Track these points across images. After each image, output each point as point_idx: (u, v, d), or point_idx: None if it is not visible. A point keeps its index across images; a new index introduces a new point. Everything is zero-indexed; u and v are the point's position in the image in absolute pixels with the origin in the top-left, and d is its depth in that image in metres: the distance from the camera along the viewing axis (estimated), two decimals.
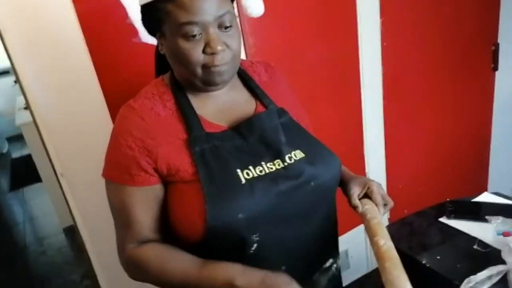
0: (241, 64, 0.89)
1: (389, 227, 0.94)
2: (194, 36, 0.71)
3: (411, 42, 1.83)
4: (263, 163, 0.76)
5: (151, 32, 0.80)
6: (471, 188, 2.16)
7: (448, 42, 1.93)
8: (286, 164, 0.77)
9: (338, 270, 0.93)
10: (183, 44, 0.72)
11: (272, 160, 0.77)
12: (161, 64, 0.87)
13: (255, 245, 0.74)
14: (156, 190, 0.78)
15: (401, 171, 2.00)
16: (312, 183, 0.78)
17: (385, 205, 0.87)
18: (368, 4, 1.66)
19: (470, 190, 1.06)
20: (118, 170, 0.77)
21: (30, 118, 1.28)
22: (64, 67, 1.18)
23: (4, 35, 1.12)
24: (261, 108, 0.85)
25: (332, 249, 0.91)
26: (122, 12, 1.20)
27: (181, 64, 0.75)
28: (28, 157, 2.82)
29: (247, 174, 0.74)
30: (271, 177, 0.75)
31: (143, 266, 0.76)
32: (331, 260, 0.90)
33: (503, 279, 0.71)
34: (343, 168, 0.94)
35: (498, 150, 2.28)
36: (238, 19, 1.31)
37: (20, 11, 1.11)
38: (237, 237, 0.72)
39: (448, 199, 0.94)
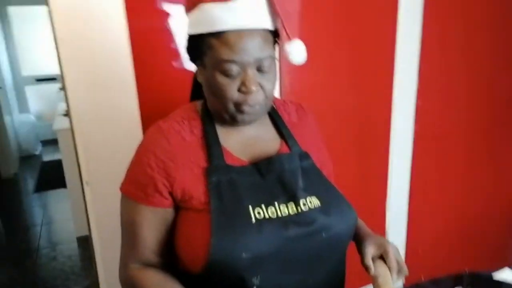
0: (273, 102, 0.90)
1: None
2: (232, 74, 0.73)
3: (446, 100, 1.81)
4: (276, 203, 0.76)
5: (192, 59, 0.83)
6: (494, 260, 2.05)
7: (484, 100, 1.90)
8: (299, 209, 0.76)
9: None
10: (221, 79, 0.74)
11: (286, 202, 0.76)
12: (197, 90, 0.89)
13: (254, 287, 0.72)
14: (167, 213, 0.79)
15: (423, 234, 1.93)
16: (323, 234, 0.76)
17: (398, 271, 0.82)
18: (406, 61, 1.68)
19: (492, 262, 1.00)
20: (135, 187, 0.79)
21: (67, 125, 1.34)
22: (108, 80, 1.25)
23: (60, 44, 1.19)
24: (285, 148, 0.85)
25: None
26: (169, 36, 1.27)
27: (215, 96, 0.77)
28: (58, 163, 2.92)
29: (259, 213, 0.73)
30: (282, 220, 0.74)
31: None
32: None
33: None
34: (360, 222, 0.92)
35: None
36: (277, 60, 1.36)
37: (77, 22, 1.18)
38: (238, 277, 0.71)
39: (467, 270, 0.90)
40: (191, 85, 0.94)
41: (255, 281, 0.71)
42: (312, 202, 0.78)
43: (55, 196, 3.76)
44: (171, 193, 0.77)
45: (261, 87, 0.75)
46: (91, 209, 1.33)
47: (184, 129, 0.80)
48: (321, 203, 0.78)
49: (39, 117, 5.32)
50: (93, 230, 1.34)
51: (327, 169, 0.92)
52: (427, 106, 1.76)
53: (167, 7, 1.25)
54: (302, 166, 0.82)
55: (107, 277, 1.35)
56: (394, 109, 1.72)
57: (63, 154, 2.85)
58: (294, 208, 0.76)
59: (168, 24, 1.26)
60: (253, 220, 0.72)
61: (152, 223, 0.78)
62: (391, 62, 1.65)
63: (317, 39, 1.50)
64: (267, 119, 0.89)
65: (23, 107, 5.28)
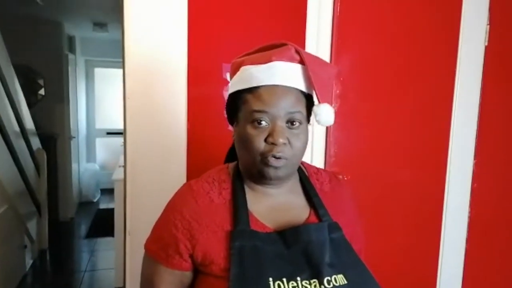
0: (306, 169, 0.91)
1: None
2: (261, 123, 0.75)
3: (503, 185, 1.69)
4: (298, 278, 0.71)
5: (230, 118, 0.85)
6: None
7: None
8: (323, 287, 0.71)
9: None
10: (250, 130, 0.76)
11: (309, 278, 0.72)
12: (233, 153, 0.90)
13: None
14: (185, 276, 0.79)
15: None
16: None
17: None
18: (462, 139, 1.62)
19: None
20: (157, 245, 0.80)
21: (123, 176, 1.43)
22: (163, 138, 1.34)
23: (127, 101, 1.33)
24: (314, 218, 0.82)
25: None
26: (222, 102, 1.35)
27: (244, 149, 0.77)
28: (112, 211, 3.05)
29: (279, 286, 0.70)
30: None
31: None
32: None
33: None
34: None
35: None
36: (325, 129, 1.38)
37: (143, 85, 1.32)
38: None
39: None
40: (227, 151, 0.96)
41: None
42: (338, 280, 0.73)
43: (103, 244, 3.88)
44: (191, 256, 0.77)
45: (289, 142, 0.75)
46: (129, 259, 1.36)
47: (213, 190, 0.81)
48: (348, 282, 0.73)
49: (102, 167, 5.70)
50: (127, 281, 1.36)
51: (358, 245, 0.87)
52: (483, 189, 1.66)
53: (226, 75, 1.36)
54: (331, 238, 0.78)
55: None
56: (448, 191, 1.63)
57: (116, 203, 2.99)
58: (318, 286, 0.71)
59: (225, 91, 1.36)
60: None
61: (169, 284, 0.79)
62: (446, 138, 1.61)
63: (370, 109, 1.51)
64: (298, 186, 0.87)
65: (91, 156, 5.72)
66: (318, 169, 0.94)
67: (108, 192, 5.18)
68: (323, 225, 0.79)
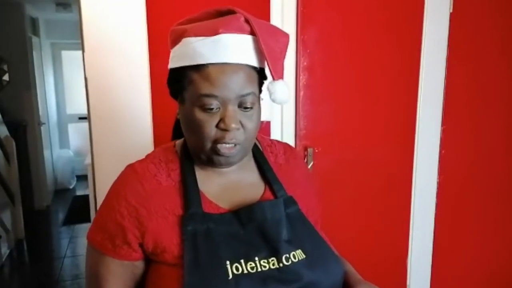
0: (260, 142, 0.87)
1: None
2: (211, 109, 0.69)
3: (470, 150, 1.74)
4: (256, 258, 0.68)
5: (174, 95, 0.78)
6: None
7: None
8: (281, 265, 0.69)
9: None
10: (199, 114, 0.69)
11: (267, 257, 0.69)
12: (179, 129, 0.83)
13: None
14: (135, 266, 0.73)
15: None
16: None
17: None
18: (428, 101, 1.65)
19: None
20: (102, 236, 0.73)
21: None
22: (128, 118, 1.32)
23: (89, 84, 1.29)
24: (268, 194, 0.79)
25: None
26: None
27: (193, 133, 0.72)
28: (88, 197, 3.01)
29: (236, 268, 0.66)
30: (262, 277, 0.67)
31: None
32: None
33: None
34: (350, 269, 0.85)
35: None
36: (294, 102, 1.38)
37: (104, 65, 1.28)
38: None
39: None
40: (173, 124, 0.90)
41: None
42: (297, 256, 0.71)
43: (81, 230, 3.84)
44: (141, 245, 0.71)
45: (242, 125, 0.70)
46: None
47: (161, 172, 0.75)
48: (306, 256, 0.72)
49: (77, 153, 5.57)
50: None
51: (314, 217, 0.84)
52: (451, 155, 1.70)
53: None
54: (287, 213, 0.75)
55: None
56: (417, 158, 1.67)
57: (90, 188, 2.94)
58: (276, 264, 0.69)
59: None
60: (230, 276, 0.65)
61: (119, 277, 0.72)
62: (413, 107, 1.64)
63: (337, 82, 1.51)
64: (251, 162, 0.82)
65: (64, 143, 5.57)
66: (272, 141, 0.90)
67: (84, 178, 5.06)
68: (278, 201, 0.76)
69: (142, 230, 0.71)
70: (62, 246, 3.56)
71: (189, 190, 0.73)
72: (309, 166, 1.48)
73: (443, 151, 1.69)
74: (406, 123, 1.64)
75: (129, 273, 0.73)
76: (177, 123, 0.86)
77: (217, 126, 0.70)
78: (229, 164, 0.75)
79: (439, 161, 1.69)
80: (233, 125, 0.69)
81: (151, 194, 0.72)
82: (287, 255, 0.70)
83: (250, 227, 0.71)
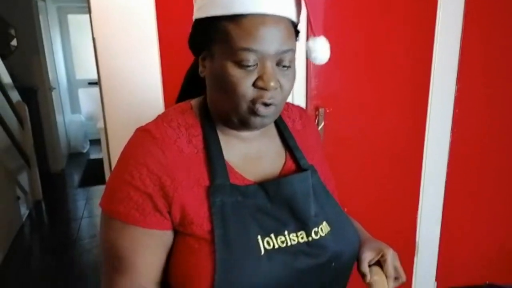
0: None
1: None
2: (248, 65, 0.61)
3: (485, 109, 1.72)
4: (286, 232, 0.67)
5: (197, 50, 0.71)
6: None
7: None
8: (310, 239, 0.68)
9: None
10: (234, 70, 0.62)
11: (296, 230, 0.68)
12: (190, 89, 0.78)
13: None
14: (168, 237, 0.66)
15: (455, 251, 1.82)
16: (333, 264, 0.70)
17: (396, 278, 0.77)
18: (444, 61, 1.61)
19: None
20: (126, 206, 0.64)
21: None
22: (139, 80, 1.31)
23: (98, 47, 1.28)
24: (290, 163, 0.76)
25: None
26: None
27: (225, 92, 0.64)
28: (102, 160, 3.07)
29: (268, 243, 0.65)
30: (292, 251, 0.66)
31: None
32: None
33: None
34: (358, 225, 0.86)
35: None
36: (305, 62, 1.36)
37: (113, 27, 1.26)
38: None
39: (487, 282, 0.84)
40: (181, 83, 0.83)
41: None
42: (323, 229, 0.70)
43: (97, 192, 3.95)
44: (169, 213, 0.65)
45: (280, 85, 0.64)
46: None
47: (181, 138, 0.67)
48: (331, 228, 0.71)
49: (89, 118, 5.63)
50: None
51: (331, 184, 0.84)
52: (465, 114, 1.68)
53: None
54: (312, 184, 0.73)
55: None
56: (429, 119, 1.65)
57: (103, 152, 2.99)
58: (305, 238, 0.68)
59: None
60: (262, 251, 0.64)
61: (153, 248, 0.65)
62: (428, 67, 1.60)
63: (349, 43, 1.48)
64: (272, 127, 0.78)
65: (75, 108, 5.62)
66: (287, 104, 0.84)
67: (97, 142, 5.15)
68: (306, 174, 0.73)
69: (168, 200, 0.64)
70: (79, 207, 3.68)
71: (214, 159, 0.67)
72: (320, 127, 1.47)
73: (456, 110, 1.67)
74: (419, 84, 1.61)
75: (161, 244, 0.66)
76: (187, 82, 0.82)
77: (253, 84, 0.63)
78: (263, 126, 0.69)
79: (452, 122, 1.67)
80: (272, 84, 0.62)
81: (173, 162, 0.65)
82: (316, 229, 0.69)
83: (277, 200, 0.68)
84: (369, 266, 0.77)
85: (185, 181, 0.65)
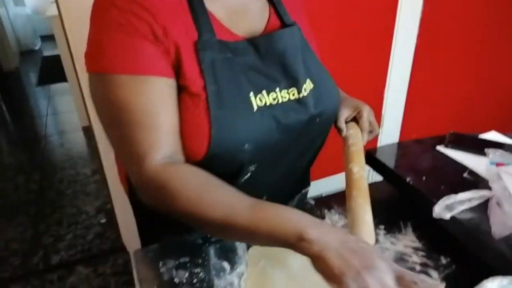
0: None
1: (382, 148, 0.92)
2: None
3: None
4: (277, 89, 0.66)
5: None
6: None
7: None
8: (301, 95, 0.69)
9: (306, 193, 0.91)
10: None
11: (287, 87, 0.68)
12: None
13: (248, 174, 0.68)
14: (175, 87, 0.61)
15: (421, 102, 1.93)
16: (317, 120, 0.71)
17: (370, 132, 0.82)
18: None
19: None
20: (131, 57, 0.58)
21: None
22: None
23: None
24: (274, 19, 0.73)
25: (307, 179, 0.89)
26: None
27: None
28: (58, 58, 2.87)
29: (260, 100, 0.64)
30: (283, 108, 0.67)
31: (173, 190, 0.56)
32: (306, 189, 0.89)
33: (483, 205, 0.69)
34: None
35: None
36: None
37: None
38: (235, 167, 0.66)
39: (451, 131, 0.91)
40: None
41: (251, 168, 0.68)
42: (307, 87, 0.70)
43: (58, 89, 3.79)
44: (168, 54, 0.60)
45: None
46: (88, 101, 1.32)
47: None
48: (314, 85, 0.71)
49: (35, 11, 5.12)
50: (92, 119, 1.36)
51: (314, 43, 0.81)
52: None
53: None
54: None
55: (110, 164, 1.39)
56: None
57: (60, 48, 2.79)
58: (296, 95, 0.68)
59: None
60: (255, 108, 0.63)
61: (168, 98, 0.60)
62: None
63: None
64: None
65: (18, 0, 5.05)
66: None
67: (50, 39, 4.78)
68: (295, 29, 0.71)
69: (164, 44, 0.59)
70: (41, 105, 3.55)
71: (196, 8, 0.62)
72: None
73: None
74: None
75: (173, 93, 0.61)
76: None
77: None
78: None
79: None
80: None
81: (158, 9, 0.58)
82: (305, 85, 0.70)
83: (268, 57, 0.67)
84: (346, 122, 0.81)
85: (175, 30, 0.59)
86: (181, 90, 0.62)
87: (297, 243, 0.48)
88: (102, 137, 1.36)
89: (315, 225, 0.49)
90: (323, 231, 0.48)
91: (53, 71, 4.08)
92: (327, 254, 0.46)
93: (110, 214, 2.05)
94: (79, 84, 1.32)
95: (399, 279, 0.45)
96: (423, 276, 0.63)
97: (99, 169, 2.17)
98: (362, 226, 0.60)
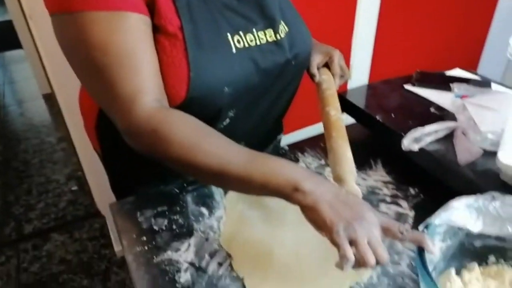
0: None
1: (352, 90, 0.93)
2: None
3: None
4: (254, 30, 0.65)
5: None
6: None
7: None
8: (278, 38, 0.68)
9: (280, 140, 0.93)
10: None
11: (264, 28, 0.66)
12: None
13: (227, 120, 0.68)
14: (150, 24, 0.58)
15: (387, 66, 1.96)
16: (293, 62, 0.71)
17: (342, 76, 0.83)
18: None
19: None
20: None
21: None
22: None
23: None
24: None
25: (281, 125, 0.90)
26: None
27: None
28: (8, 23, 2.68)
29: (238, 42, 0.63)
30: (261, 50, 0.66)
31: (167, 135, 0.53)
32: (280, 135, 0.90)
33: (449, 136, 0.72)
34: None
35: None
36: None
37: None
38: (214, 112, 0.65)
39: (417, 70, 0.93)
40: None
41: (230, 113, 0.67)
42: (282, 29, 0.69)
43: (14, 57, 3.57)
44: None
45: None
46: (49, 66, 1.24)
47: None
48: (288, 28, 0.70)
49: None
50: (54, 86, 1.29)
51: None
52: None
53: None
54: None
55: (77, 130, 1.33)
56: None
57: (11, 12, 2.60)
58: (273, 37, 0.67)
59: None
60: (234, 50, 0.62)
61: (145, 36, 0.57)
62: None
63: None
64: None
65: None
66: None
67: None
68: None
69: None
70: None
71: None
72: None
73: None
74: None
75: (150, 32, 0.58)
76: None
77: None
78: None
79: None
80: None
81: None
82: (282, 27, 0.69)
83: None
84: (318, 68, 0.82)
85: None
86: (157, 30, 0.58)
87: (291, 194, 0.49)
88: (66, 103, 1.29)
89: (309, 177, 0.50)
90: (317, 183, 0.49)
91: (3, 37, 3.82)
92: (320, 205, 0.47)
93: (81, 181, 2.01)
94: (37, 50, 1.24)
95: (386, 229, 0.48)
96: (407, 226, 0.66)
97: (66, 137, 2.10)
98: (346, 163, 0.62)
